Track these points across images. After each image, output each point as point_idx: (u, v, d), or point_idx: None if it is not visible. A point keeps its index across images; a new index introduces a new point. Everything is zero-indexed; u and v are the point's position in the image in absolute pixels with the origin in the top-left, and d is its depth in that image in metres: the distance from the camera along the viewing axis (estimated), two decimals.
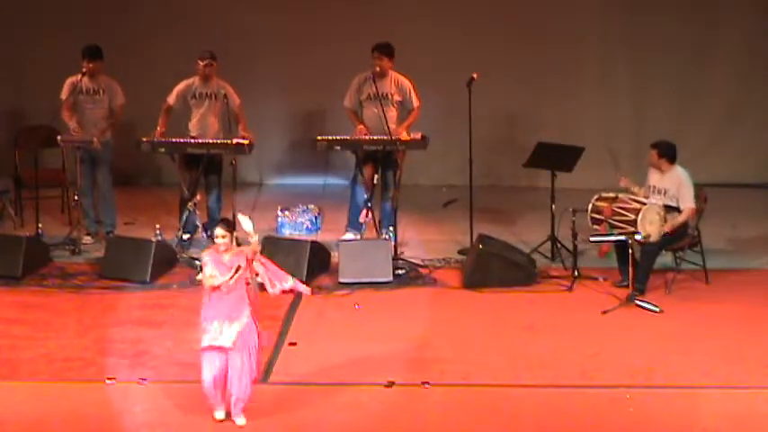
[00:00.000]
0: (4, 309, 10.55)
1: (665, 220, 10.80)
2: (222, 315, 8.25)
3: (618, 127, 14.68)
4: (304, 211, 12.75)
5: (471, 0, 14.60)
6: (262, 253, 8.40)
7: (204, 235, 12.12)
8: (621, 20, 14.61)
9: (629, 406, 8.62)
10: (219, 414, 8.39)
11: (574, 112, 14.61)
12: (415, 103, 12.13)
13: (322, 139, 11.96)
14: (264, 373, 9.19)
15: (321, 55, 14.43)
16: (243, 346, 8.26)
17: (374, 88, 11.92)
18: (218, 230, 8.28)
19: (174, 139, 11.93)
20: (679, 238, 10.99)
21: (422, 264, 11.64)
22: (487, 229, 12.03)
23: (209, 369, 8.26)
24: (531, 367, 9.28)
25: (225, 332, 8.24)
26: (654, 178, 11.07)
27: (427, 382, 8.92)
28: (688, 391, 8.88)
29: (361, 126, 12.02)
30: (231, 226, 8.34)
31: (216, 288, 8.21)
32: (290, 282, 8.51)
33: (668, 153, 11.01)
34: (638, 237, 10.63)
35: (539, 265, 11.43)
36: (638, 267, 10.70)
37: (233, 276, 8.18)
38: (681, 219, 10.89)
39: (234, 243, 8.31)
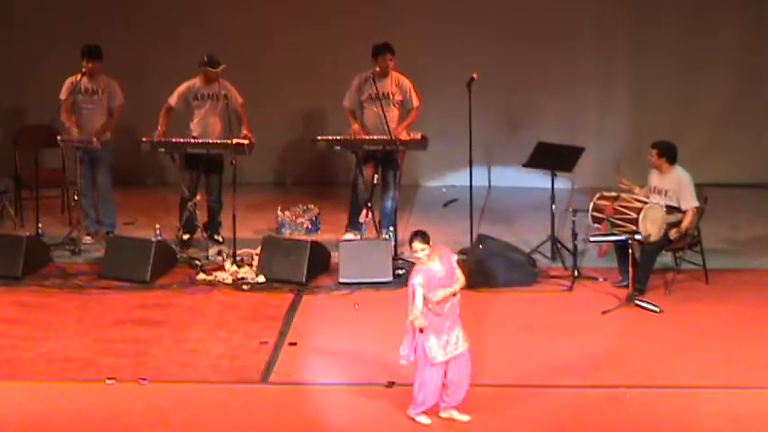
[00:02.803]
0: (4, 309, 10.56)
1: (667, 221, 10.81)
2: (444, 328, 8.30)
3: (618, 127, 14.67)
4: (304, 211, 12.75)
5: (471, 0, 14.60)
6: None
7: (204, 235, 12.13)
8: (622, 20, 14.60)
9: (629, 406, 8.62)
10: (427, 419, 8.39)
11: (574, 112, 14.60)
12: (415, 102, 12.14)
13: (322, 139, 11.96)
14: (264, 373, 9.21)
15: (322, 55, 14.43)
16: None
17: (375, 88, 11.92)
18: (416, 245, 8.26)
19: (174, 139, 11.93)
20: (679, 238, 10.99)
21: None
22: (487, 229, 12.04)
23: (438, 377, 8.29)
24: (531, 367, 9.28)
25: (459, 340, 8.32)
26: (654, 179, 11.07)
27: None
28: (688, 391, 8.88)
29: (356, 126, 12.03)
30: (426, 237, 8.30)
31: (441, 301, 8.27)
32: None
33: (668, 153, 11.00)
34: (638, 237, 10.63)
35: (539, 265, 11.43)
36: (638, 267, 10.70)
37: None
38: (686, 222, 10.87)
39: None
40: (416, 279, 8.26)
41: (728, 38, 14.52)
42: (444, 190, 14.25)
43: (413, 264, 11.40)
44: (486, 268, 11.10)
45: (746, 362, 9.36)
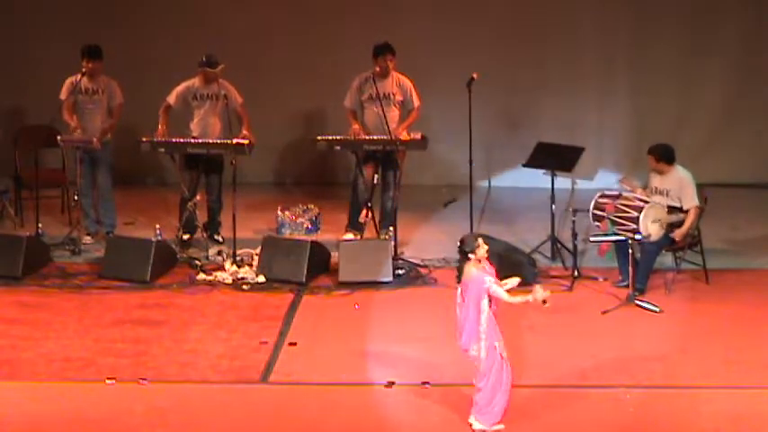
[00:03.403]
0: (4, 309, 10.55)
1: (668, 221, 10.80)
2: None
3: (618, 126, 14.67)
4: (304, 211, 12.75)
5: (471, 0, 14.60)
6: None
7: (204, 235, 12.13)
8: (622, 19, 14.60)
9: (629, 406, 8.62)
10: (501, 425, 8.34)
11: (574, 112, 14.60)
12: (416, 102, 12.14)
13: (322, 139, 11.96)
14: (264, 373, 9.21)
15: (321, 55, 14.43)
16: None
17: (375, 89, 11.92)
18: (483, 244, 8.23)
19: (174, 139, 11.93)
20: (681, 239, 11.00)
21: (422, 264, 11.63)
22: (487, 229, 12.01)
23: (508, 377, 8.27)
24: (531, 367, 9.27)
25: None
26: (655, 180, 11.08)
27: (427, 382, 8.92)
28: (688, 391, 8.88)
29: (356, 127, 12.03)
30: None
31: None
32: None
33: (665, 156, 11.01)
34: (638, 237, 10.62)
35: (539, 265, 11.42)
36: (638, 267, 10.70)
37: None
38: (688, 222, 10.87)
39: None
40: (490, 279, 8.21)
41: (728, 38, 14.51)
42: (444, 190, 14.24)
43: (412, 264, 11.58)
44: None
45: (746, 362, 9.36)
